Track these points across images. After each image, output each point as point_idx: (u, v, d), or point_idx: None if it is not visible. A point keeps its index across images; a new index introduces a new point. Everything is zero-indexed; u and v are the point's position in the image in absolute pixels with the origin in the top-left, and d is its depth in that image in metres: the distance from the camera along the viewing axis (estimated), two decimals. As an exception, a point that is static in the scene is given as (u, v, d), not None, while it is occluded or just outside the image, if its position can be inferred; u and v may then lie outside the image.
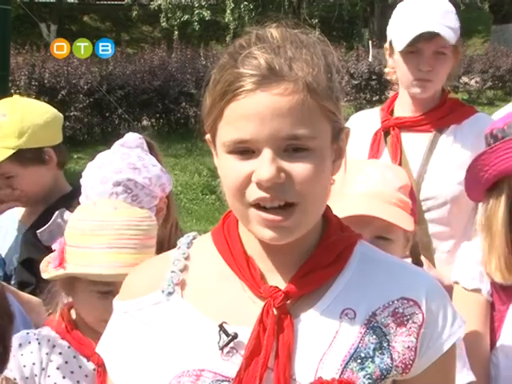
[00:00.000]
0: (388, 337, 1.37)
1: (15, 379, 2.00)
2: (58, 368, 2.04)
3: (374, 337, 1.36)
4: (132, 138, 2.41)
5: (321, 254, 1.40)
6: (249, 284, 1.39)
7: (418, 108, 2.85)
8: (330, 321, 1.36)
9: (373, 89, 16.58)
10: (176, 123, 14.82)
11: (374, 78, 16.39)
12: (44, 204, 2.78)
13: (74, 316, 2.14)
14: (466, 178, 2.21)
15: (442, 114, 2.84)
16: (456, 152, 2.77)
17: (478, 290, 2.14)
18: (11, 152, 2.67)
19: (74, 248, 2.03)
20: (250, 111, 1.28)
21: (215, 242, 1.45)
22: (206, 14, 24.75)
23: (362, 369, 1.34)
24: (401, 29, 2.78)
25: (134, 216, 2.06)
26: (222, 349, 1.35)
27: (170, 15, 24.91)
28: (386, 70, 2.98)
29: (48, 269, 2.08)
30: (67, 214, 2.44)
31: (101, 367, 1.99)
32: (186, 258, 1.45)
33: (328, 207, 1.44)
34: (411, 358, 1.37)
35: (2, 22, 6.99)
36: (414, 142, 2.83)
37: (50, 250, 2.16)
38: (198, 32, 24.46)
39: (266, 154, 1.28)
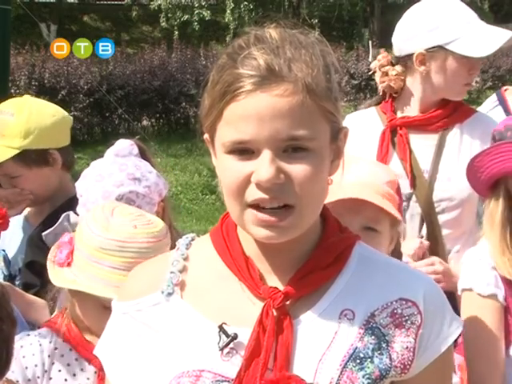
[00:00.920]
0: (387, 337, 1.37)
1: (17, 381, 1.98)
2: (60, 370, 2.03)
3: (373, 337, 1.36)
4: (124, 146, 2.39)
5: (320, 255, 1.40)
6: (248, 285, 1.39)
7: (425, 108, 2.84)
8: (329, 321, 1.37)
9: (373, 89, 16.56)
10: (176, 123, 14.84)
11: (373, 77, 16.37)
12: (50, 205, 2.77)
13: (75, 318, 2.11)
14: (467, 177, 2.22)
15: (447, 113, 2.83)
16: (465, 152, 2.76)
17: (493, 296, 2.12)
18: (15, 152, 2.67)
19: (86, 259, 1.97)
20: (249, 112, 1.28)
21: (214, 243, 1.45)
22: (206, 14, 24.75)
23: (361, 369, 1.34)
24: (466, 34, 2.72)
25: (153, 236, 1.98)
26: (221, 349, 1.35)
27: (169, 15, 24.92)
28: (377, 74, 2.97)
29: (56, 271, 2.03)
30: (73, 217, 2.44)
31: (102, 371, 1.97)
32: (185, 259, 1.45)
33: (326, 208, 1.44)
34: (410, 358, 1.37)
35: (2, 22, 7.00)
36: (422, 142, 2.82)
37: None
38: (198, 32, 24.46)
39: (266, 154, 1.28)
